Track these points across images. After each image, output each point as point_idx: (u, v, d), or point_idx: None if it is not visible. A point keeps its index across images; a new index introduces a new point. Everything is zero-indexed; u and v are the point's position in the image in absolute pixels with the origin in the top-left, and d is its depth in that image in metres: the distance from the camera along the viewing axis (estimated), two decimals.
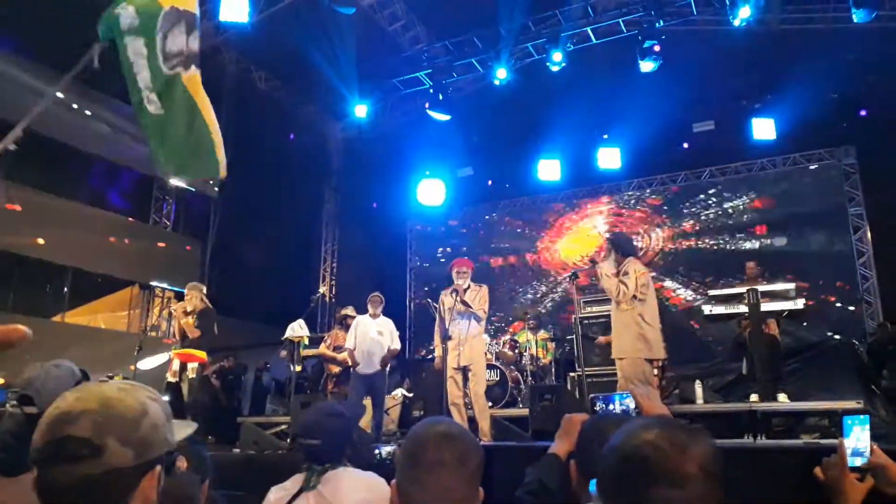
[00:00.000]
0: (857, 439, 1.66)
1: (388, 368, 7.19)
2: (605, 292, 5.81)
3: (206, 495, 2.31)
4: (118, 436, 1.03)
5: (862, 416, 1.70)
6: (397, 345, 7.24)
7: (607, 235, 5.91)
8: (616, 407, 2.24)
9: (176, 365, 7.20)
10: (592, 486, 1.14)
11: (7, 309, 9.65)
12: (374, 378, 6.98)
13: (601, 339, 7.26)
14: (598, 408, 2.31)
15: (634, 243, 5.90)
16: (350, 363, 7.21)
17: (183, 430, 1.23)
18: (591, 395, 5.12)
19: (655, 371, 5.76)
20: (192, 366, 6.98)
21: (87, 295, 11.46)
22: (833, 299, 11.64)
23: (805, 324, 9.79)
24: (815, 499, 1.69)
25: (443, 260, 15.16)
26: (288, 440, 6.72)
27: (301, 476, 2.56)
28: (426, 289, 14.70)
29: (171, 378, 7.19)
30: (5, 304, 9.74)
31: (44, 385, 2.23)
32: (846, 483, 1.56)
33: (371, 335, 7.07)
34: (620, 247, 5.69)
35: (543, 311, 13.06)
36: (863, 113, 11.70)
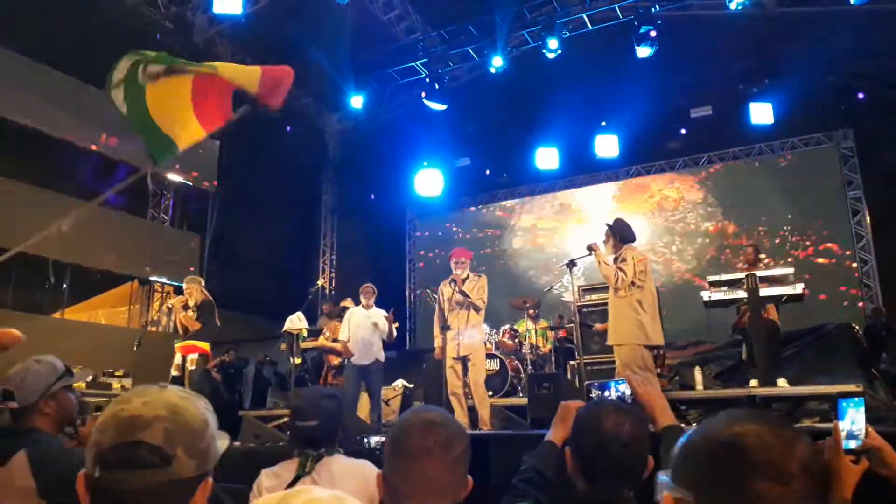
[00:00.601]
0: (853, 422, 1.66)
1: (384, 359, 7.19)
2: (604, 279, 5.80)
3: (210, 488, 2.32)
4: (186, 446, 1.04)
5: (857, 399, 1.70)
6: (393, 332, 7.26)
7: (606, 222, 5.88)
8: (612, 393, 2.24)
9: (178, 359, 7.21)
10: (661, 477, 1.06)
11: (6, 306, 9.65)
12: (368, 369, 7.00)
13: (598, 326, 7.26)
14: (593, 394, 2.30)
15: (633, 230, 5.86)
16: (347, 354, 7.23)
17: (223, 440, 1.22)
18: (587, 382, 5.13)
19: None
20: (192, 357, 6.98)
21: (86, 291, 11.46)
22: (832, 283, 11.64)
23: (804, 308, 9.79)
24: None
25: (442, 251, 15.16)
26: (289, 433, 6.73)
27: (292, 462, 2.52)
28: (425, 279, 14.70)
29: (174, 372, 7.20)
30: (4, 301, 9.75)
31: (23, 380, 2.25)
32: (841, 465, 1.56)
33: (365, 326, 7.07)
34: (619, 233, 5.68)
35: (543, 299, 13.04)
36: (861, 96, 11.67)
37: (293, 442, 2.65)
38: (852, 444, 1.62)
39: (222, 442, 1.20)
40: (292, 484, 2.45)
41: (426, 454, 1.38)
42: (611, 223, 5.80)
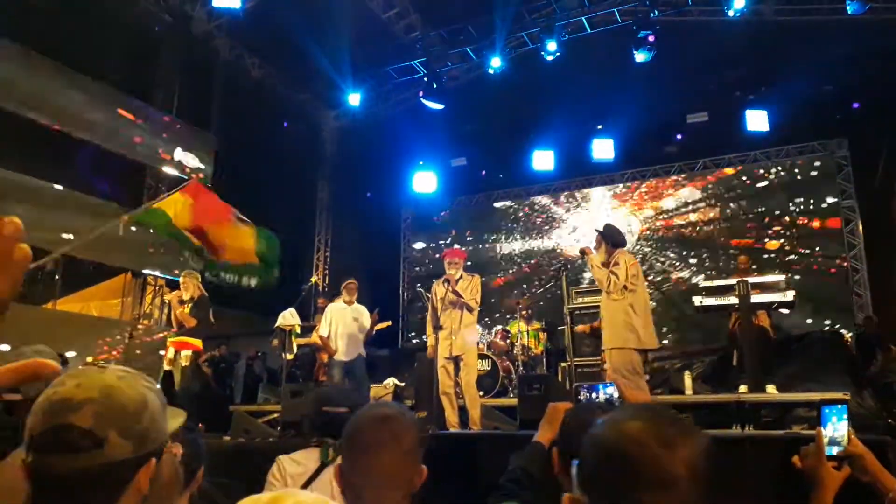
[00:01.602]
0: (835, 429, 1.68)
1: (365, 355, 7.24)
2: (596, 283, 5.81)
3: (200, 483, 2.32)
4: (119, 428, 1.01)
5: (840, 406, 1.72)
6: (371, 330, 7.32)
7: (598, 227, 5.89)
8: (600, 396, 2.26)
9: (170, 353, 7.19)
10: (574, 466, 1.06)
11: None
12: (352, 365, 7.03)
13: (580, 327, 7.27)
14: (582, 396, 2.32)
15: (624, 234, 5.88)
16: (329, 351, 7.27)
17: (175, 419, 1.20)
18: (576, 384, 5.15)
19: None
20: (185, 353, 6.97)
21: (78, 282, 11.41)
22: (823, 291, 11.69)
23: (795, 316, 9.84)
24: (797, 487, 1.71)
25: (435, 251, 15.17)
26: (279, 428, 6.73)
27: (313, 451, 2.55)
28: (419, 278, 14.71)
29: (165, 366, 7.19)
30: None
31: None
32: (823, 471, 1.58)
33: (347, 322, 7.11)
34: (611, 237, 5.70)
35: (535, 301, 13.07)
36: (856, 106, 11.73)
37: (311, 429, 2.67)
38: (835, 451, 1.64)
39: (174, 420, 1.17)
40: (318, 472, 2.46)
41: (379, 446, 1.44)
42: (601, 229, 5.82)
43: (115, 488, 1.02)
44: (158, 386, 1.15)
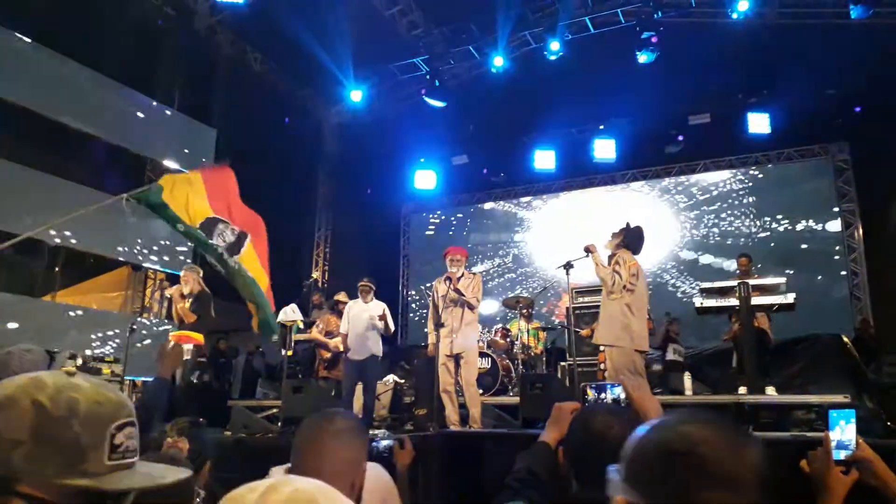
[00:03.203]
0: (842, 432, 1.68)
1: (381, 355, 7.18)
2: (599, 281, 5.80)
3: (206, 478, 2.33)
4: None
5: (847, 410, 1.73)
6: (391, 326, 7.24)
7: (625, 223, 5.85)
8: (607, 396, 2.26)
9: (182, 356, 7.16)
10: (612, 471, 1.06)
11: None
12: (365, 364, 6.99)
13: (584, 331, 7.28)
14: (589, 396, 2.32)
15: (642, 244, 5.80)
16: (342, 348, 7.22)
17: (170, 473, 1.00)
18: (583, 384, 5.15)
19: None
20: (188, 347, 6.95)
21: (78, 275, 11.40)
22: (823, 294, 11.71)
23: (794, 318, 9.86)
24: (801, 491, 1.72)
25: (436, 248, 15.17)
26: (279, 424, 6.73)
27: None
28: (419, 275, 14.72)
29: None
30: None
31: (21, 368, 2.21)
32: (831, 476, 1.58)
33: (363, 320, 7.07)
34: (630, 238, 5.65)
35: (536, 300, 13.08)
36: (857, 109, 11.74)
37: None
38: (842, 455, 1.64)
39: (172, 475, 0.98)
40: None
41: (312, 428, 1.60)
42: (631, 225, 5.78)
43: None
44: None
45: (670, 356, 8.60)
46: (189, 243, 4.60)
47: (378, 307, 7.20)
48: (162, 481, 0.99)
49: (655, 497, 0.97)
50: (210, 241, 4.43)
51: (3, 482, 0.85)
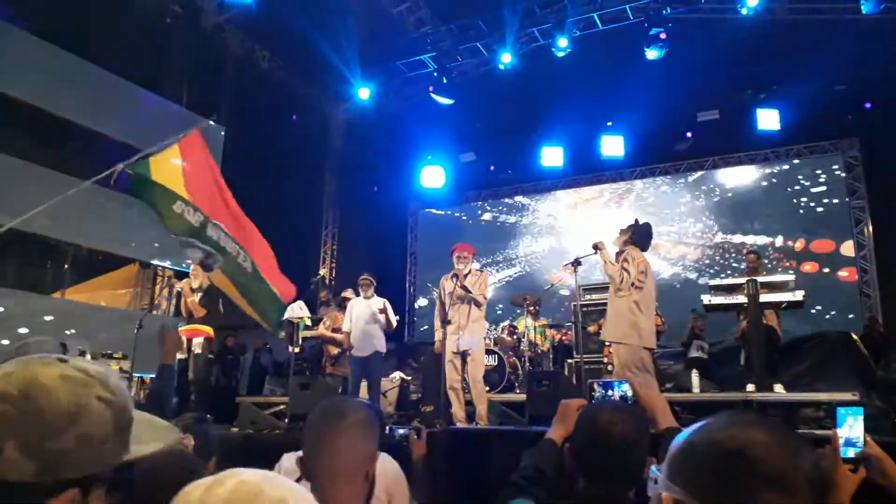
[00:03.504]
0: (850, 429, 1.67)
1: (384, 350, 7.19)
2: (608, 278, 5.78)
3: (212, 474, 2.33)
4: (23, 441, 0.81)
5: (856, 408, 1.71)
6: (393, 321, 7.24)
7: (633, 220, 5.85)
8: (615, 394, 2.26)
9: (183, 342, 7.18)
10: (654, 469, 1.05)
11: (8, 284, 9.66)
12: (368, 360, 7.01)
13: (592, 328, 7.27)
14: (596, 393, 2.32)
15: (650, 240, 5.79)
16: (346, 346, 7.26)
17: (151, 443, 0.97)
18: (590, 381, 5.14)
19: None
20: (198, 341, 6.97)
21: (87, 272, 11.46)
22: (832, 291, 11.65)
23: (803, 315, 9.82)
24: None
25: (443, 246, 15.17)
26: (286, 421, 6.76)
27: None
28: (426, 273, 14.72)
29: (180, 356, 7.18)
30: (6, 279, 9.75)
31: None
32: (838, 474, 1.57)
33: (365, 317, 7.08)
34: (638, 234, 5.64)
35: (543, 297, 13.07)
36: (868, 105, 11.65)
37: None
38: (850, 453, 1.63)
39: (146, 447, 0.95)
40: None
41: (323, 423, 1.58)
42: (640, 221, 5.78)
43: None
44: (133, 397, 0.96)
45: (694, 353, 8.56)
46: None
47: (379, 302, 7.21)
48: (168, 442, 1.02)
49: (705, 496, 0.95)
50: (207, 234, 4.23)
51: (91, 478, 0.87)
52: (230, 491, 0.75)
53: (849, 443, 1.65)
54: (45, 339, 2.42)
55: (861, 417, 1.69)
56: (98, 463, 0.87)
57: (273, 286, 4.36)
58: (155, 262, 11.33)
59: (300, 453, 2.57)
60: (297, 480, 2.32)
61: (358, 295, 7.50)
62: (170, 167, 4.31)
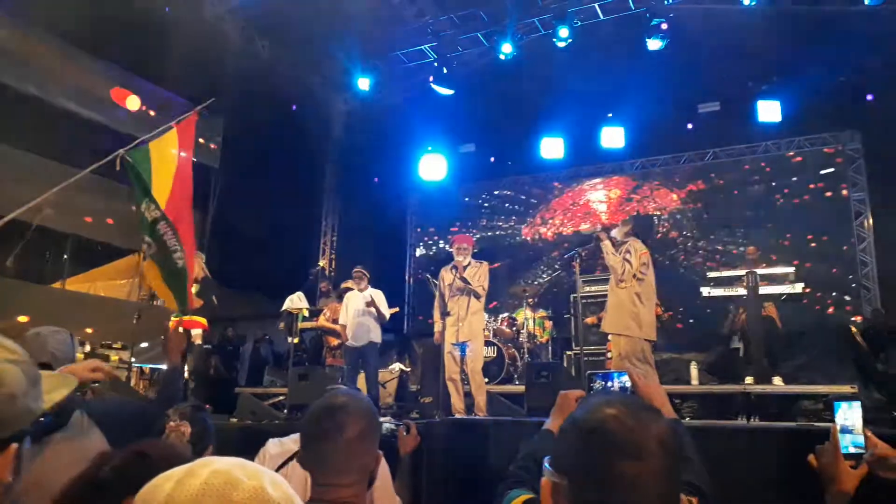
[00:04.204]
0: (845, 418, 1.67)
1: (379, 341, 7.21)
2: (609, 269, 5.78)
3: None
4: None
5: (851, 402, 1.71)
6: (385, 313, 7.25)
7: (634, 213, 5.88)
8: (615, 385, 2.25)
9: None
10: (546, 464, 1.12)
11: (8, 275, 9.66)
12: (363, 351, 7.03)
13: (588, 319, 7.27)
14: (596, 385, 2.31)
15: (653, 232, 5.81)
16: (343, 338, 7.30)
17: (58, 390, 1.06)
18: (589, 372, 5.14)
19: None
20: (196, 332, 6.98)
21: (86, 263, 11.47)
22: (831, 284, 11.64)
23: (803, 308, 9.82)
24: (805, 478, 1.70)
25: (442, 237, 15.16)
26: (285, 411, 6.77)
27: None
28: (426, 264, 14.71)
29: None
30: (5, 269, 9.75)
31: (58, 349, 2.36)
32: (840, 469, 1.56)
33: (358, 309, 7.11)
34: (640, 227, 5.64)
35: (542, 289, 13.07)
36: (869, 97, 11.61)
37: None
38: (849, 444, 1.62)
39: (55, 392, 1.04)
40: (293, 457, 2.46)
41: (323, 437, 1.53)
42: (641, 214, 5.80)
43: None
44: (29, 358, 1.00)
45: (736, 344, 8.42)
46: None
47: (374, 294, 7.24)
48: (72, 387, 1.12)
49: (572, 474, 1.04)
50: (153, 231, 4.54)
51: (22, 431, 0.96)
52: (202, 483, 0.74)
53: (845, 430, 1.65)
54: (56, 329, 2.45)
55: (857, 406, 1.69)
56: (26, 415, 0.95)
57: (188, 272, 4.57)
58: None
59: (285, 439, 2.58)
60: (282, 465, 2.33)
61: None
62: (167, 154, 4.45)
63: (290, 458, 2.47)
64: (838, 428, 1.64)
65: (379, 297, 7.21)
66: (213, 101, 5.23)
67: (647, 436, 1.02)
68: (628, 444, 1.00)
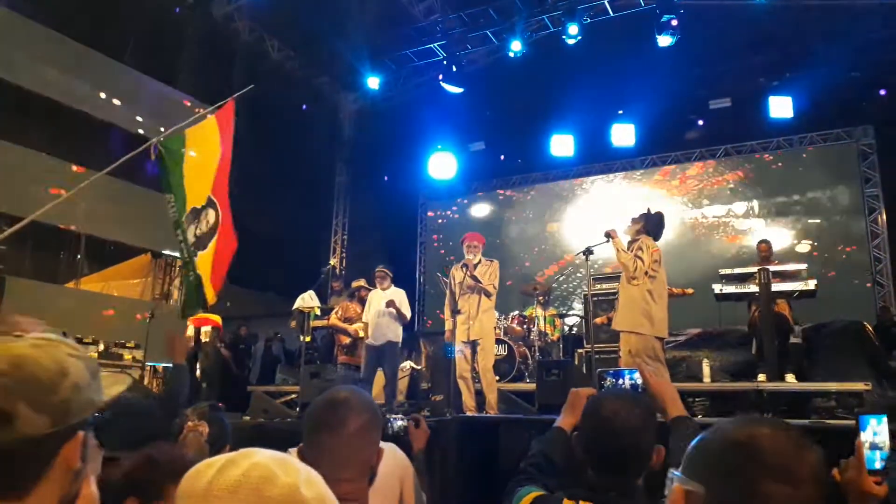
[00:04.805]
0: (874, 433, 1.64)
1: (398, 341, 7.21)
2: (621, 267, 5.77)
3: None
4: (30, 400, 0.92)
5: (880, 417, 1.68)
6: (406, 313, 7.24)
7: (645, 209, 5.84)
8: (625, 382, 2.25)
9: (190, 331, 7.24)
10: (673, 472, 1.08)
11: (24, 274, 9.76)
12: (382, 349, 7.04)
13: (598, 319, 7.24)
14: (606, 382, 2.32)
15: (663, 230, 5.78)
16: (361, 334, 7.32)
17: (115, 386, 1.11)
18: (599, 370, 5.15)
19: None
20: (206, 330, 7.02)
21: (99, 262, 11.56)
22: (845, 280, 11.55)
23: (815, 305, 9.74)
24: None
25: (453, 235, 15.17)
26: (297, 409, 6.80)
27: None
28: (437, 262, 14.72)
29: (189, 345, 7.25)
30: (21, 269, 9.85)
31: None
32: (864, 485, 1.54)
33: (379, 308, 7.12)
34: (651, 224, 5.61)
35: (553, 286, 13.04)
36: (882, 92, 11.51)
37: None
38: (877, 459, 1.59)
39: (114, 387, 1.09)
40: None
41: (324, 430, 1.53)
42: (651, 211, 5.77)
43: (33, 466, 0.93)
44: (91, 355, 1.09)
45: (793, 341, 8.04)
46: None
47: (396, 293, 7.24)
48: (128, 384, 1.15)
49: (712, 485, 0.99)
50: (185, 234, 4.56)
51: (85, 420, 0.99)
52: (241, 474, 0.78)
53: (875, 447, 1.62)
54: (50, 330, 2.47)
55: (885, 421, 1.66)
56: (90, 405, 1.00)
57: (210, 281, 4.51)
58: (167, 251, 11.40)
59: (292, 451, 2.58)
60: None
61: (373, 286, 7.55)
62: (209, 143, 4.47)
63: None
64: (866, 444, 1.61)
65: (400, 296, 7.21)
66: (252, 87, 5.12)
67: (801, 462, 0.99)
68: (782, 467, 0.97)
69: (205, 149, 4.46)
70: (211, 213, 4.46)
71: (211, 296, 4.51)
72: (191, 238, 4.49)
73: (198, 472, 0.81)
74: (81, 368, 1.00)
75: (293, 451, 2.55)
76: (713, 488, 0.99)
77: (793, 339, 7.70)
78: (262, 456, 0.81)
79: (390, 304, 7.04)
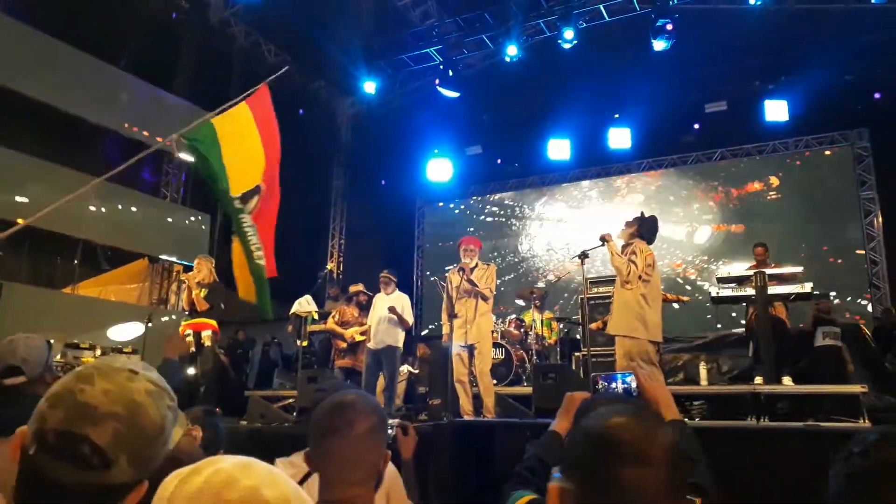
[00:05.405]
0: None
1: (398, 346, 7.21)
2: (615, 271, 5.77)
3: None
4: (131, 453, 0.96)
5: None
6: (408, 318, 7.25)
7: (642, 211, 5.84)
8: (618, 386, 2.26)
9: (190, 336, 7.22)
10: (555, 474, 1.17)
11: (20, 279, 9.74)
12: (382, 353, 7.04)
13: (593, 325, 7.24)
14: (600, 386, 2.32)
15: (657, 233, 5.78)
16: (357, 339, 7.34)
17: (176, 430, 1.13)
18: (594, 374, 5.15)
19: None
20: (206, 333, 7.00)
21: (96, 267, 11.55)
22: (841, 283, 11.58)
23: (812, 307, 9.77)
24: (816, 480, 1.69)
25: (450, 239, 15.17)
26: (294, 414, 6.79)
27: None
28: (434, 266, 14.73)
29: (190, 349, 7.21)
30: (18, 274, 9.84)
31: (29, 354, 2.39)
32: None
33: (380, 313, 7.13)
34: (645, 228, 5.62)
35: (549, 290, 13.05)
36: (877, 96, 11.56)
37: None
38: None
39: (176, 431, 1.10)
40: (308, 475, 2.46)
41: (334, 432, 1.53)
42: (645, 216, 5.77)
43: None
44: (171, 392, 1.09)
45: (821, 341, 7.61)
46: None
47: (399, 298, 7.26)
48: (184, 426, 1.15)
49: (582, 480, 1.07)
50: (239, 217, 4.35)
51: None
52: (203, 481, 0.79)
53: None
54: (30, 335, 2.50)
55: None
56: (162, 458, 1.03)
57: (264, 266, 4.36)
58: (164, 256, 11.39)
59: (293, 458, 2.56)
60: (303, 479, 2.33)
61: (372, 290, 7.59)
62: (244, 129, 4.42)
63: (306, 477, 2.47)
64: None
65: (402, 302, 7.23)
66: (287, 69, 4.96)
67: (651, 442, 1.05)
68: (633, 450, 1.04)
69: (238, 135, 4.38)
70: (254, 201, 4.40)
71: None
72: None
73: (164, 483, 0.83)
74: (172, 422, 1.05)
75: (299, 455, 2.55)
76: (579, 481, 1.07)
77: (829, 342, 7.61)
78: (225, 463, 0.82)
79: (392, 309, 7.06)
